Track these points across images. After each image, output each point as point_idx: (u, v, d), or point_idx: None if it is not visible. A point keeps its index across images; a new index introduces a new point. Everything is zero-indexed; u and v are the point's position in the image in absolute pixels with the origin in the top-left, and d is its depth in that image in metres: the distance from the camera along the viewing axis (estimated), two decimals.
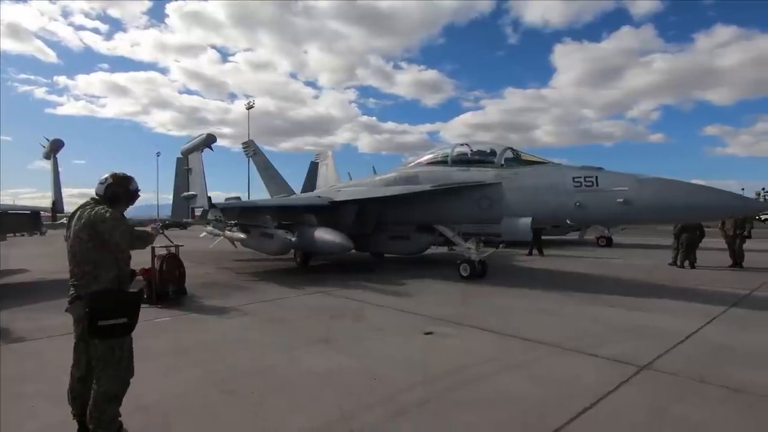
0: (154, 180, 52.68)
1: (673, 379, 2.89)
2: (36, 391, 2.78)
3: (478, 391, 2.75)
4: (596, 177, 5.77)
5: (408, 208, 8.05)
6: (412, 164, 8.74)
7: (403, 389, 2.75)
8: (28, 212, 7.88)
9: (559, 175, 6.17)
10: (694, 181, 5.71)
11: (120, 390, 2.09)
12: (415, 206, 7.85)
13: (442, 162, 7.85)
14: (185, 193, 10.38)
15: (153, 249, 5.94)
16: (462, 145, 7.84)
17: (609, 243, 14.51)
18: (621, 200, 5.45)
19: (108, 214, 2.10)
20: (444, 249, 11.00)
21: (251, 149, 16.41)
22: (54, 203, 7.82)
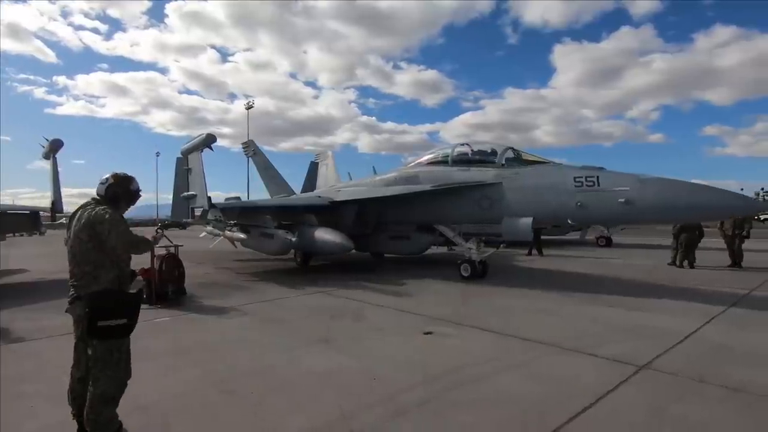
0: (154, 180, 52.72)
1: (673, 379, 2.90)
2: (35, 391, 2.77)
3: (478, 390, 2.75)
4: (597, 177, 5.75)
5: (408, 208, 8.05)
6: (413, 164, 8.73)
7: (403, 389, 2.76)
8: (28, 212, 7.87)
9: (561, 174, 6.15)
10: (694, 181, 5.68)
11: (117, 392, 2.08)
12: (416, 206, 7.84)
13: (443, 162, 7.84)
14: (185, 193, 10.37)
15: (152, 249, 5.95)
16: (462, 144, 7.82)
17: (608, 243, 14.52)
18: (622, 200, 5.43)
19: (107, 216, 2.09)
20: (443, 249, 11.02)
21: (251, 149, 16.41)
22: (53, 203, 7.80)
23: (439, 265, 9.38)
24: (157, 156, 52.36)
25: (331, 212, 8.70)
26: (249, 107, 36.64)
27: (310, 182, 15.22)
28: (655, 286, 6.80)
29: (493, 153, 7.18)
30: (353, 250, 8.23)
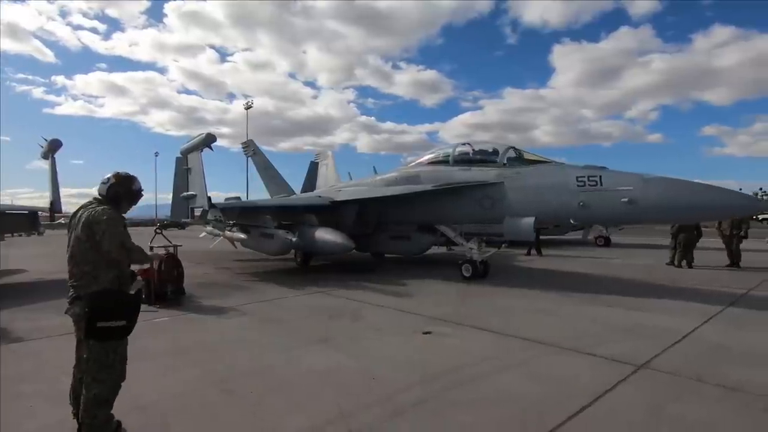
0: (153, 180, 52.56)
1: (671, 378, 2.91)
2: (34, 391, 2.77)
3: (477, 390, 2.76)
4: (600, 176, 5.70)
5: (409, 208, 8.02)
6: (413, 164, 8.70)
7: (402, 389, 2.76)
8: (26, 212, 7.86)
9: (563, 174, 6.10)
10: (696, 181, 5.56)
11: (111, 394, 2.07)
12: (417, 206, 7.81)
13: (444, 161, 7.81)
14: (184, 193, 10.35)
15: (151, 249, 5.94)
16: (464, 144, 7.80)
17: (607, 243, 14.55)
18: (625, 200, 5.39)
19: (105, 216, 2.08)
20: (443, 249, 11.02)
21: (251, 149, 16.38)
22: (52, 203, 7.79)
23: (440, 265, 9.38)
24: (156, 156, 52.37)
25: (331, 212, 8.68)
26: (248, 107, 36.60)
27: (310, 182, 15.21)
28: (654, 286, 6.81)
29: (495, 152, 7.15)
30: (353, 250, 8.22)
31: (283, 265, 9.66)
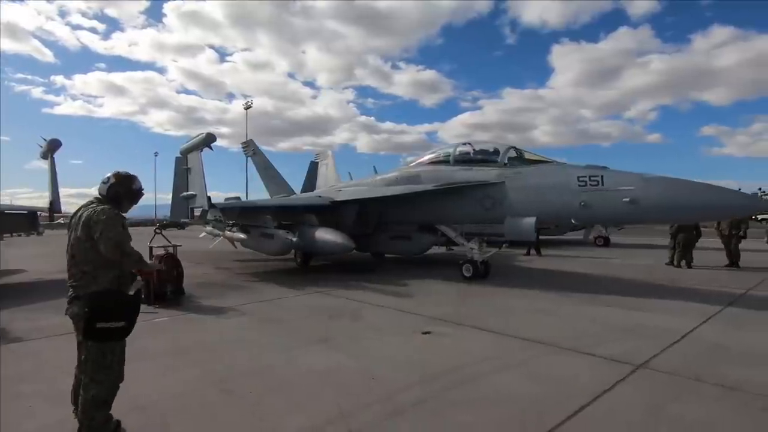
0: (152, 180, 52.53)
1: (669, 378, 2.91)
2: (34, 391, 2.77)
3: (477, 390, 2.76)
4: (602, 176, 5.68)
5: (409, 208, 8.01)
6: (414, 164, 8.69)
7: (402, 388, 2.76)
8: (26, 212, 7.85)
9: (564, 174, 6.08)
10: (698, 181, 5.49)
11: (109, 395, 2.06)
12: (417, 206, 7.80)
13: (444, 161, 7.80)
14: (184, 193, 10.35)
15: (151, 249, 5.94)
16: (464, 144, 7.78)
17: (606, 243, 14.57)
18: (627, 200, 5.37)
19: (104, 216, 2.07)
20: (442, 249, 11.01)
21: (251, 149, 16.37)
22: (51, 203, 7.79)
23: (441, 265, 9.38)
24: (156, 156, 52.36)
25: (331, 212, 8.67)
26: (247, 107, 36.58)
27: (310, 182, 15.21)
28: (653, 286, 6.82)
29: (496, 152, 7.13)
30: (354, 251, 8.20)
31: (283, 265, 9.65)
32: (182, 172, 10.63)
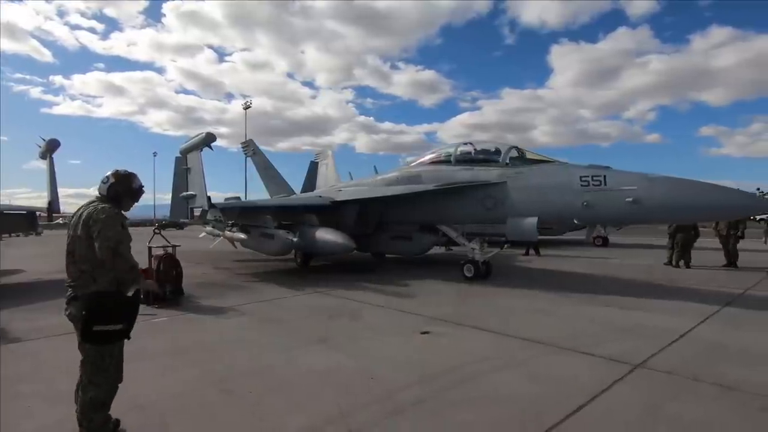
0: (151, 180, 52.51)
1: (667, 378, 2.92)
2: (33, 391, 2.76)
3: (476, 389, 2.77)
4: (604, 176, 5.62)
5: (410, 208, 7.99)
6: (415, 163, 8.66)
7: (401, 388, 2.77)
8: (24, 212, 7.83)
9: (566, 174, 6.05)
10: (701, 180, 5.38)
11: (107, 397, 2.05)
12: (418, 206, 7.78)
13: (445, 161, 7.76)
14: (184, 193, 10.34)
15: (150, 249, 5.94)
16: (465, 144, 7.76)
17: (605, 243, 14.61)
18: (630, 199, 5.35)
19: (103, 215, 2.05)
20: (441, 249, 11.00)
21: (251, 149, 16.34)
22: (50, 203, 7.77)
23: (442, 265, 9.38)
24: (155, 156, 52.33)
25: (332, 212, 8.66)
26: (246, 107, 36.56)
27: (310, 182, 15.20)
28: (652, 286, 6.84)
29: (497, 152, 7.10)
30: (354, 251, 8.18)
31: (283, 265, 9.64)
32: (182, 172, 10.61)
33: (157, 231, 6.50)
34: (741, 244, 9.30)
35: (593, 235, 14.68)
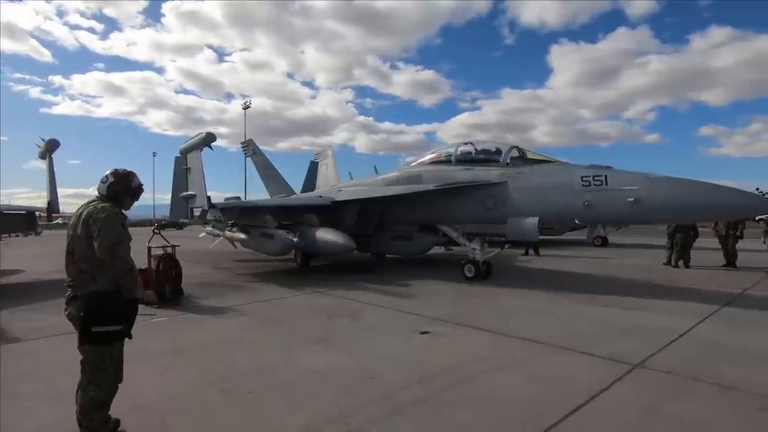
0: (151, 180, 52.45)
1: (666, 377, 2.93)
2: (32, 391, 2.76)
3: (475, 389, 2.77)
4: (605, 176, 5.57)
5: (411, 208, 7.98)
6: (415, 163, 8.65)
7: (401, 388, 2.77)
8: (24, 212, 7.83)
9: (567, 174, 6.02)
10: (703, 180, 5.36)
11: (107, 397, 2.05)
12: (418, 206, 7.77)
13: (446, 161, 7.75)
14: (184, 193, 10.32)
15: (149, 249, 5.94)
16: (466, 143, 7.75)
17: (604, 243, 14.63)
18: (631, 199, 5.33)
19: (103, 214, 2.04)
20: (441, 249, 10.99)
21: (251, 149, 16.32)
22: (49, 203, 7.76)
23: (442, 265, 9.38)
24: (154, 156, 52.28)
25: (332, 212, 8.66)
26: (246, 107, 36.56)
27: (310, 182, 15.18)
28: (651, 286, 6.85)
29: (498, 152, 7.09)
30: (354, 251, 8.15)
31: (284, 265, 9.63)
32: (182, 172, 10.60)
33: (156, 231, 6.50)
34: (740, 244, 9.31)
35: (593, 235, 14.68)
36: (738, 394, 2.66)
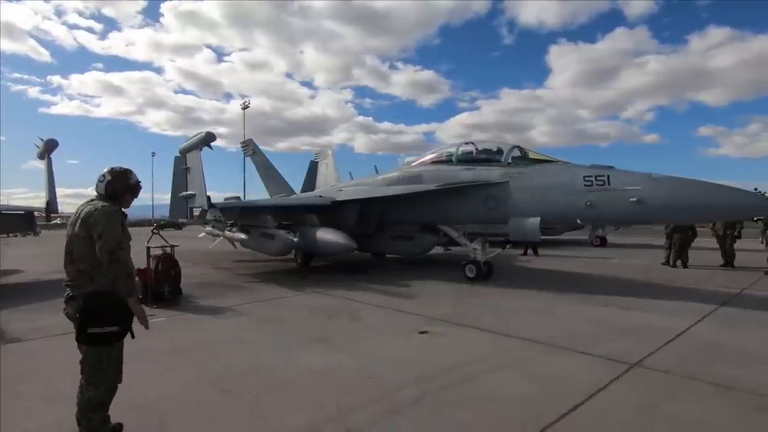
0: (150, 180, 52.33)
1: (664, 377, 2.94)
2: (31, 391, 2.77)
3: (475, 389, 2.78)
4: (608, 176, 5.55)
5: (411, 208, 7.96)
6: (416, 163, 8.63)
7: (401, 387, 2.78)
8: (22, 212, 7.82)
9: (570, 174, 5.97)
10: (706, 180, 5.32)
11: (106, 398, 2.05)
12: (419, 206, 7.75)
13: (447, 161, 7.73)
14: (183, 193, 10.31)
15: (148, 249, 5.93)
16: (467, 143, 7.72)
17: (603, 243, 14.65)
18: (634, 199, 5.32)
19: (103, 215, 2.03)
20: (440, 249, 11.00)
21: (250, 148, 16.29)
22: (48, 203, 7.76)
23: (443, 265, 9.37)
24: (153, 156, 52.23)
25: (332, 212, 8.64)
26: (245, 107, 36.53)
27: (310, 182, 15.17)
28: (649, 286, 6.87)
29: (499, 152, 7.06)
30: (355, 251, 8.14)
31: (284, 265, 9.63)
32: (181, 172, 10.57)
33: (155, 231, 6.49)
34: (738, 244, 9.33)
35: (593, 235, 14.67)
36: (736, 393, 2.67)
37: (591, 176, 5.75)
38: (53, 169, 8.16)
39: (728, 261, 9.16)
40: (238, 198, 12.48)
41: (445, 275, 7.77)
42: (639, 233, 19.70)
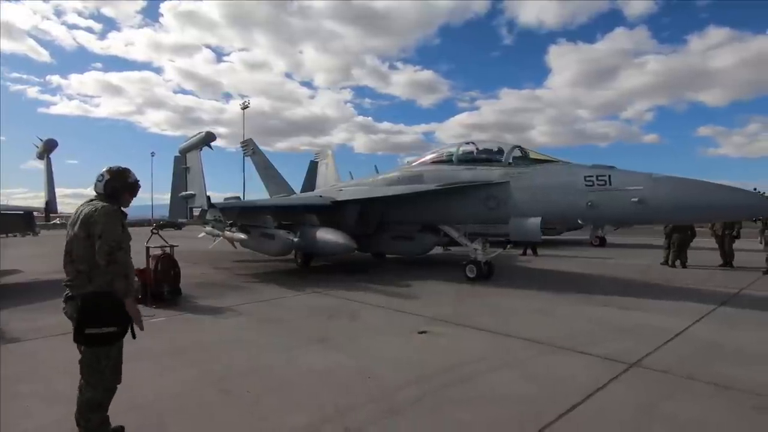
0: (149, 180, 52.29)
1: (663, 376, 2.95)
2: (31, 391, 2.77)
3: (474, 389, 2.79)
4: (609, 176, 5.54)
5: (412, 208, 7.94)
6: (416, 163, 8.61)
7: (400, 387, 2.78)
8: (21, 212, 7.82)
9: (570, 174, 5.97)
10: (708, 180, 5.32)
11: (104, 398, 2.04)
12: (420, 206, 7.74)
13: (447, 161, 7.72)
14: (183, 193, 10.30)
15: (148, 249, 5.93)
16: (468, 143, 7.71)
17: (602, 243, 14.67)
18: (635, 200, 5.31)
19: (103, 216, 2.03)
20: (440, 249, 11.01)
21: (250, 148, 16.27)
22: (47, 203, 7.75)
23: (443, 266, 9.37)
24: (152, 156, 52.20)
25: (332, 212, 8.63)
26: (244, 107, 36.49)
27: (310, 181, 15.16)
28: (648, 286, 6.88)
29: (500, 152, 7.05)
30: (355, 251, 8.13)
31: (284, 265, 9.62)
32: (181, 172, 10.56)
33: (154, 231, 6.49)
34: (737, 244, 9.34)
35: (594, 235, 14.68)
36: (734, 393, 2.68)
37: (592, 176, 5.74)
38: (52, 169, 8.15)
39: (727, 261, 9.18)
40: (238, 198, 12.47)
41: (445, 275, 7.77)
42: (638, 233, 19.72)
